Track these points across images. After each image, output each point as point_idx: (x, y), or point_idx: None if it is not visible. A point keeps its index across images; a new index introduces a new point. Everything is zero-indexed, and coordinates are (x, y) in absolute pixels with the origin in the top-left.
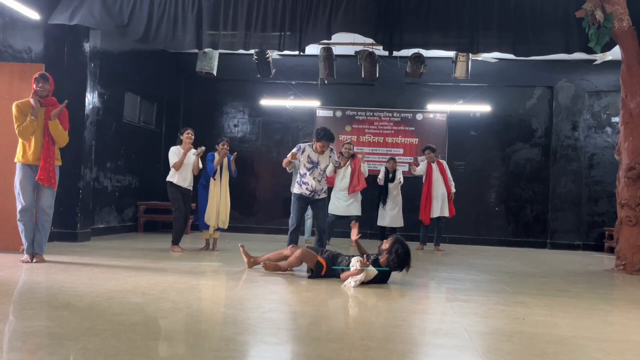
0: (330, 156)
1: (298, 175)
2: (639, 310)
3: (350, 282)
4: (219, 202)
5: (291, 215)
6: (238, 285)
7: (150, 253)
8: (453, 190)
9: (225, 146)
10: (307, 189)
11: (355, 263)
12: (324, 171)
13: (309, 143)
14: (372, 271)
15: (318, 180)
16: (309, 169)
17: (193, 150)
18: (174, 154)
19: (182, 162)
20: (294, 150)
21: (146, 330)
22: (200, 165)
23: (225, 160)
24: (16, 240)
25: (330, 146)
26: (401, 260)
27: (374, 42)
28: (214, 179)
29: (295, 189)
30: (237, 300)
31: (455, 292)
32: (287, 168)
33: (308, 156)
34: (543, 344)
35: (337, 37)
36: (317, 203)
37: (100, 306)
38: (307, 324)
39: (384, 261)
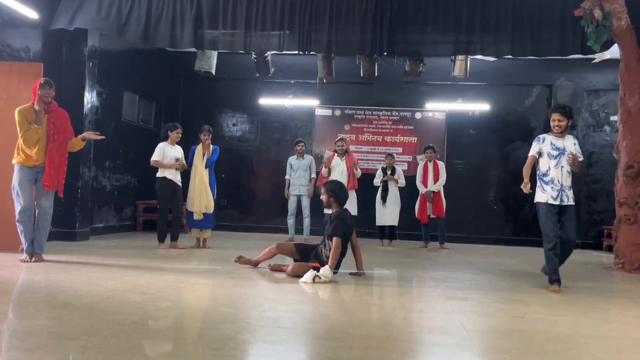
0: (575, 143)
1: (537, 178)
2: (637, 308)
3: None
4: (200, 187)
5: (544, 233)
6: (237, 284)
7: (149, 252)
8: (434, 188)
9: (206, 136)
10: (552, 188)
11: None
12: (573, 164)
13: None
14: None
15: (567, 171)
16: (554, 157)
17: (176, 164)
18: (160, 150)
19: (162, 165)
20: (534, 145)
21: (145, 329)
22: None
23: (210, 149)
24: (15, 240)
25: (574, 136)
26: (339, 192)
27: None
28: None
29: (539, 197)
30: (237, 299)
31: (454, 291)
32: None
33: (551, 143)
34: (542, 341)
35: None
36: (566, 211)
37: (100, 305)
38: (307, 323)
39: (334, 210)
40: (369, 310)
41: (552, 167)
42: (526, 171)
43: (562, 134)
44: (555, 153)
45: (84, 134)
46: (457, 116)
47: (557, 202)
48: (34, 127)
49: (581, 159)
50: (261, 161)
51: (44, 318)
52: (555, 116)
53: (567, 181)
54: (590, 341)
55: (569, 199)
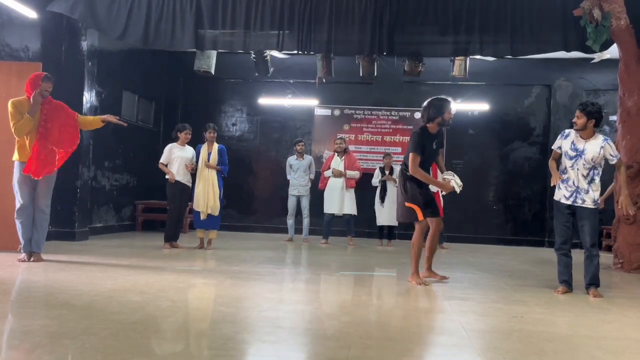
0: (602, 146)
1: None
2: (637, 309)
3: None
4: (205, 187)
5: (554, 232)
6: (236, 284)
7: (149, 252)
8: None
9: (212, 134)
10: (567, 187)
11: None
12: (595, 168)
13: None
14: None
15: (583, 174)
16: (571, 157)
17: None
18: (167, 152)
19: (164, 169)
20: (558, 138)
21: (145, 329)
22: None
23: (215, 147)
24: (14, 240)
25: (605, 137)
26: (436, 108)
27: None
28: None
29: (555, 194)
30: (236, 299)
31: (454, 291)
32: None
33: (572, 142)
34: (542, 342)
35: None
36: (580, 213)
37: (99, 305)
38: (306, 323)
39: (432, 125)
40: (368, 310)
41: (568, 167)
42: (551, 165)
43: (584, 133)
44: (572, 154)
45: (105, 116)
46: (457, 116)
47: (569, 202)
48: (27, 116)
49: (614, 161)
50: (260, 161)
51: (43, 318)
52: (580, 114)
53: (583, 184)
54: (590, 341)
55: (584, 202)
